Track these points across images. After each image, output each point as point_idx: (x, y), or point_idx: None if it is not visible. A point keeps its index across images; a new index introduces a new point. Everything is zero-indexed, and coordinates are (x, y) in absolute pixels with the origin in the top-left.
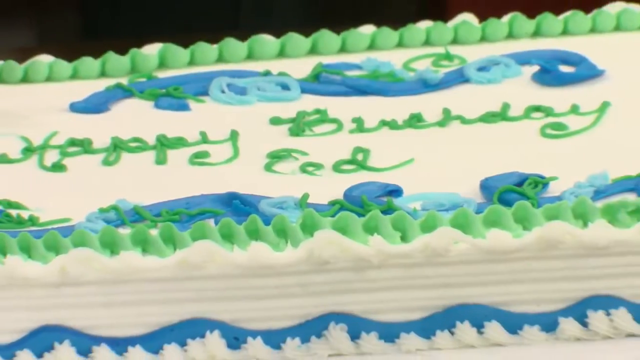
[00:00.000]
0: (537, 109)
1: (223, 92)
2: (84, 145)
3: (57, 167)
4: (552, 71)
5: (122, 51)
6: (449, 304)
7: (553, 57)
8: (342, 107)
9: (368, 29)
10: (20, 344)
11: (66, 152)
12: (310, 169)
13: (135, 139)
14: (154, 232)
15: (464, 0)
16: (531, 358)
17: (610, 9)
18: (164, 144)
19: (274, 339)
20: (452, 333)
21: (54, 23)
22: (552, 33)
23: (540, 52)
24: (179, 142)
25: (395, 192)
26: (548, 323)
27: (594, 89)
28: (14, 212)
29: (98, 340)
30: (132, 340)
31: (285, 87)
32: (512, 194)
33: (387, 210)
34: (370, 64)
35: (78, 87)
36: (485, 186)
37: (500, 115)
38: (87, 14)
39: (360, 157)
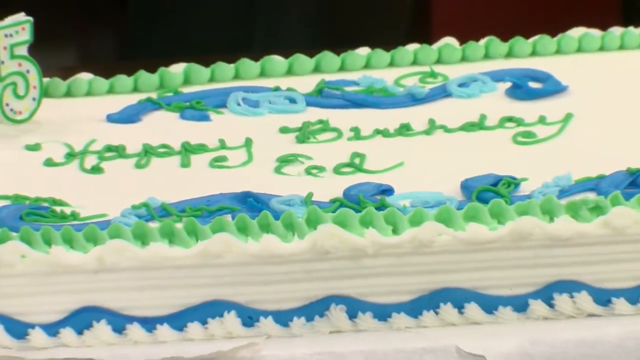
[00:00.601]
0: (510, 119)
1: (239, 104)
2: (118, 151)
3: (95, 170)
4: (522, 87)
5: (152, 70)
6: (433, 288)
7: (523, 74)
8: (341, 118)
9: (364, 51)
10: (63, 323)
11: (103, 157)
12: (314, 171)
13: (163, 145)
14: (179, 226)
15: (447, 25)
16: (504, 335)
17: (573, 32)
18: (187, 150)
19: (283, 318)
20: (436, 313)
21: (93, 46)
22: (522, 54)
23: (512, 70)
24: (201, 148)
25: (388, 191)
26: (519, 304)
27: (559, 103)
28: (58, 209)
29: (130, 319)
30: (160, 320)
31: (292, 100)
32: (488, 192)
33: (381, 207)
34: (366, 81)
35: (114, 101)
36: (465, 186)
37: (478, 125)
38: (122, 39)
39: (357, 161)
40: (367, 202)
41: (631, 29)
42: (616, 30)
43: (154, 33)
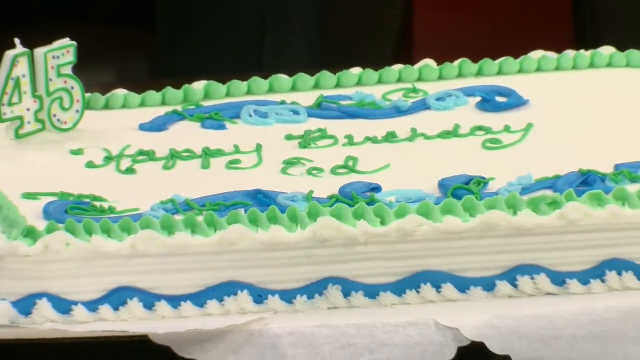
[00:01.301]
0: (480, 128)
1: (251, 116)
2: (149, 155)
3: (129, 171)
4: (490, 101)
5: (177, 86)
6: (415, 270)
7: (491, 90)
8: (337, 127)
9: (356, 70)
10: (101, 301)
11: (136, 160)
12: (314, 172)
13: (187, 150)
14: (200, 219)
15: (426, 49)
16: (475, 311)
17: (533, 55)
18: (207, 154)
19: (287, 296)
20: (417, 292)
21: (128, 67)
22: (490, 73)
23: (481, 87)
24: (219, 153)
25: (376, 189)
26: (488, 285)
27: (521, 114)
28: (97, 204)
29: (159, 297)
30: (183, 298)
31: (296, 112)
32: (462, 190)
33: (370, 202)
34: (358, 96)
35: (145, 113)
36: (442, 185)
37: (453, 133)
38: (152, 61)
39: (350, 163)
40: (359, 198)
41: (582, 52)
42: (570, 53)
43: (178, 56)
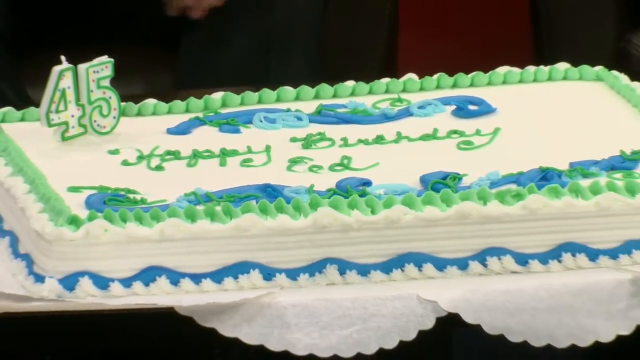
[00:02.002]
0: (455, 132)
1: (261, 121)
2: (175, 155)
3: (158, 168)
4: (463, 109)
5: (199, 97)
6: (400, 252)
7: (464, 100)
8: (334, 131)
9: (350, 83)
10: (134, 278)
11: (164, 159)
12: (314, 169)
13: (207, 151)
14: (218, 208)
15: (409, 65)
16: (451, 287)
17: (500, 70)
18: (224, 154)
19: (292, 274)
20: (402, 270)
21: (156, 80)
22: (463, 85)
23: (456, 97)
24: (234, 152)
25: (367, 183)
26: (462, 264)
27: (490, 120)
28: (131, 196)
29: (183, 275)
30: (204, 275)
31: (299, 118)
32: (439, 184)
33: (362, 194)
34: (352, 105)
35: (172, 119)
36: (423, 180)
37: (432, 136)
38: (177, 76)
39: (345, 162)
40: (352, 191)
41: (541, 67)
42: (531, 68)
43: (200, 70)
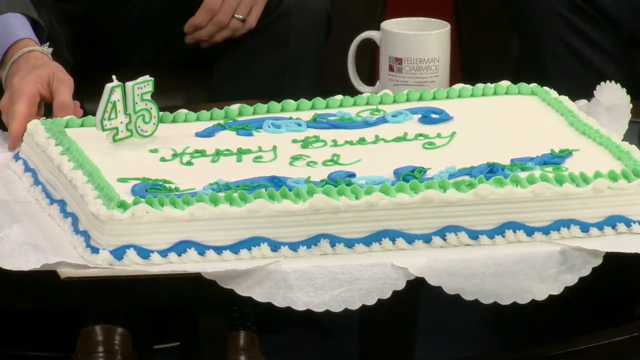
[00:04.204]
0: (421, 135)
1: (269, 127)
2: (202, 153)
3: (189, 163)
4: (427, 117)
5: (220, 107)
6: (378, 229)
7: (428, 110)
8: (326, 134)
9: (339, 97)
10: (170, 250)
11: (193, 156)
12: (311, 164)
13: (227, 150)
14: (236, 195)
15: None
16: (419, 256)
17: (455, 87)
18: (240, 152)
19: (294, 246)
20: (380, 244)
21: (187, 95)
22: (427, 98)
23: (422, 108)
24: (248, 151)
25: (352, 175)
26: (426, 239)
27: (448, 126)
28: (167, 185)
29: (208, 247)
30: (224, 247)
31: (299, 125)
32: (409, 176)
33: (348, 184)
34: (340, 114)
35: (199, 125)
36: (396, 172)
37: (403, 138)
38: (210, 92)
39: (335, 158)
40: (341, 181)
41: (488, 84)
42: (480, 85)
43: (223, 88)
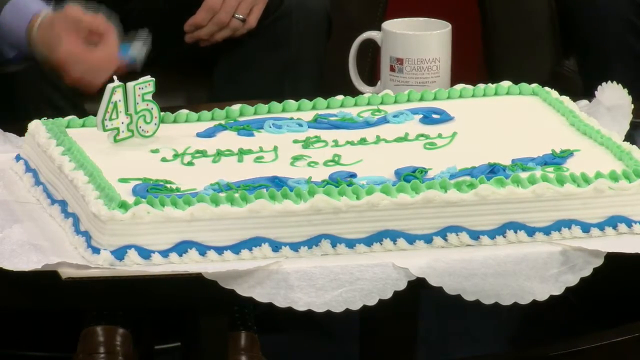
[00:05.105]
0: (422, 135)
1: (270, 127)
2: (203, 153)
3: (190, 164)
4: (428, 117)
5: (222, 108)
6: (380, 229)
7: (429, 110)
8: (327, 135)
9: (340, 97)
10: (171, 250)
11: (194, 156)
12: (312, 164)
13: (228, 150)
14: (237, 195)
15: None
16: (420, 256)
17: (457, 87)
18: (242, 152)
19: (294, 247)
20: (381, 244)
21: (189, 96)
22: (428, 99)
23: (423, 108)
24: (249, 151)
25: (353, 175)
26: (427, 239)
27: (449, 126)
28: (168, 185)
29: (209, 247)
30: (225, 248)
31: (300, 125)
32: (410, 176)
33: (349, 184)
34: (341, 114)
35: (201, 125)
36: (397, 172)
37: (404, 138)
38: (211, 92)
39: (336, 159)
40: (342, 181)
41: (490, 84)
42: (481, 85)
43: (231, 88)
